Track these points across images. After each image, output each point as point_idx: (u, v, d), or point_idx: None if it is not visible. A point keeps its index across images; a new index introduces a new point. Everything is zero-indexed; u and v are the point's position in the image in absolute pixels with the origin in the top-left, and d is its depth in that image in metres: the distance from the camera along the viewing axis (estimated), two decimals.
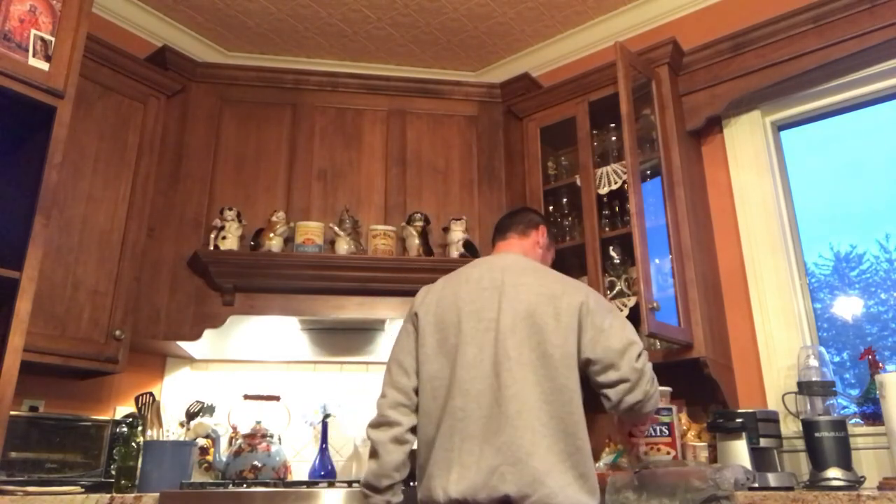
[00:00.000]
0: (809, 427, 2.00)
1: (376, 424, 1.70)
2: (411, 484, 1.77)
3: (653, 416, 1.92)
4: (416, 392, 1.70)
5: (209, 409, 2.63)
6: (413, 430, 1.70)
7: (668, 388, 2.25)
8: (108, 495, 1.96)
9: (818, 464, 1.95)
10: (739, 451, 2.07)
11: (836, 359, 2.46)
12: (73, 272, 2.36)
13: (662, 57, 2.63)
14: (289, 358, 3.06)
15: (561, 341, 1.60)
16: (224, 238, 2.65)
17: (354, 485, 2.21)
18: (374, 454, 1.68)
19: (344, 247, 2.73)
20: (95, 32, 2.53)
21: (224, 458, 2.56)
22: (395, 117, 3.04)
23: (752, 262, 2.53)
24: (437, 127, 3.06)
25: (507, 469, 1.49)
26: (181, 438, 2.55)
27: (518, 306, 1.64)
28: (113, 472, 2.33)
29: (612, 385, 1.61)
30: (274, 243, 2.68)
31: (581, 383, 1.63)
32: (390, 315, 2.74)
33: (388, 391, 1.72)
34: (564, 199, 2.89)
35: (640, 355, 1.63)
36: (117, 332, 2.41)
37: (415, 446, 1.71)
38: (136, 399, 2.54)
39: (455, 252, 2.78)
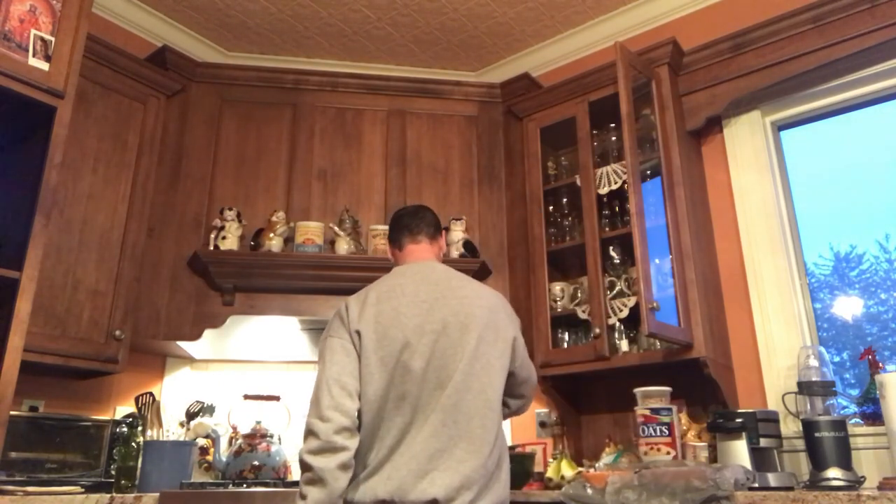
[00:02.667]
0: (809, 427, 2.00)
1: (319, 450, 1.55)
2: None
3: (651, 416, 1.95)
4: (359, 414, 1.62)
5: (209, 409, 2.63)
6: (354, 452, 1.61)
7: (668, 388, 2.25)
8: (108, 495, 1.96)
9: (818, 464, 1.95)
10: (739, 451, 2.07)
11: (836, 359, 2.46)
12: (73, 272, 2.36)
13: (662, 57, 2.63)
14: (289, 358, 3.06)
15: (499, 353, 1.69)
16: (224, 238, 2.65)
17: None
18: (318, 482, 1.54)
19: (344, 247, 2.73)
20: (95, 32, 2.53)
21: (224, 458, 2.56)
22: (395, 117, 3.04)
23: (752, 262, 2.53)
24: (437, 127, 3.06)
25: (439, 475, 1.51)
26: (181, 438, 2.55)
27: (462, 319, 1.66)
28: (113, 472, 2.33)
29: (518, 396, 1.84)
30: (274, 243, 2.68)
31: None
32: None
33: (332, 414, 1.58)
34: (564, 199, 2.89)
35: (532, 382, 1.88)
36: (117, 332, 2.41)
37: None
38: (136, 399, 2.54)
39: (455, 252, 2.78)
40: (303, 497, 1.55)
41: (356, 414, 1.61)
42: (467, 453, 1.55)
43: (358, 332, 1.67)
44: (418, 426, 1.57)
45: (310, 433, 1.58)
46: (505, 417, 1.80)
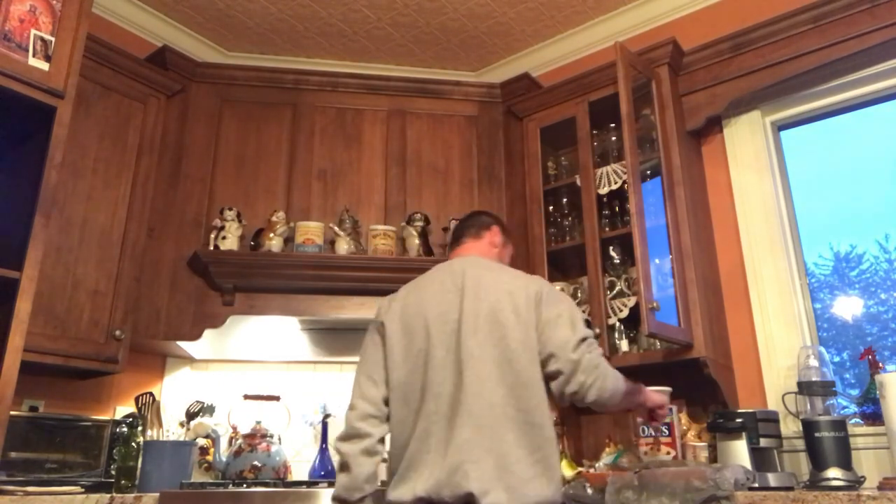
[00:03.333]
0: (809, 427, 2.00)
1: (346, 437, 1.69)
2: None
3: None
4: (387, 402, 1.70)
5: (209, 409, 2.63)
6: (383, 440, 1.70)
7: (668, 388, 2.25)
8: (108, 495, 1.96)
9: (818, 464, 1.95)
10: (739, 451, 2.07)
11: (836, 359, 2.47)
12: (73, 272, 2.36)
13: (662, 57, 2.63)
14: (289, 358, 3.06)
15: (522, 336, 1.62)
16: (224, 238, 2.65)
17: None
18: (344, 467, 1.66)
19: (344, 247, 2.72)
20: (95, 32, 2.53)
21: (224, 458, 2.56)
22: (395, 117, 3.04)
23: (752, 262, 2.53)
24: (437, 127, 3.06)
25: (471, 466, 1.50)
26: (181, 438, 2.55)
27: (479, 305, 1.66)
28: (113, 472, 2.33)
29: (552, 377, 1.63)
30: (274, 243, 2.68)
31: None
32: None
33: (358, 402, 1.71)
34: (564, 199, 2.89)
35: (577, 346, 1.61)
36: (117, 332, 2.41)
37: (385, 456, 1.71)
38: (136, 399, 2.54)
39: None
40: (336, 482, 1.67)
41: (382, 402, 1.69)
42: (495, 443, 1.52)
43: (383, 324, 1.75)
44: (446, 417, 1.57)
45: (344, 422, 1.72)
46: (561, 403, 1.68)
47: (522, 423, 1.55)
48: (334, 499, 1.66)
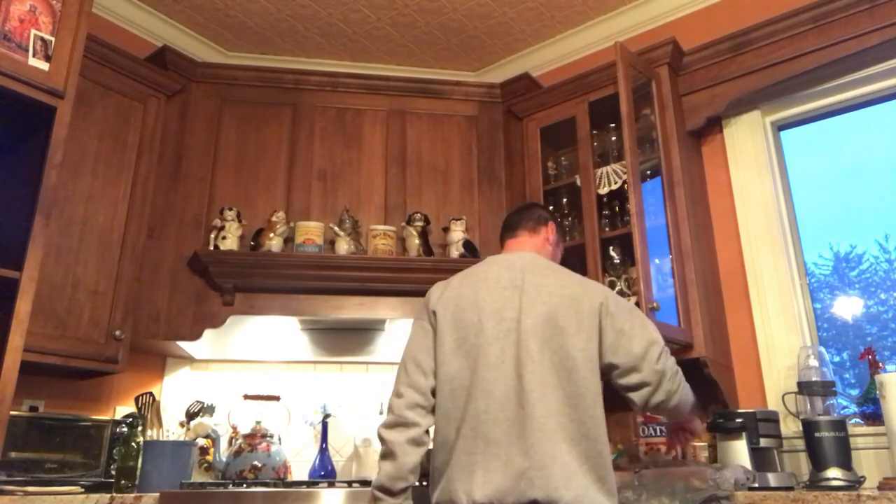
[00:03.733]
0: (809, 427, 2.00)
1: (392, 425, 1.62)
2: (423, 484, 1.74)
3: (652, 416, 1.92)
4: (433, 392, 1.65)
5: (209, 409, 2.63)
6: (428, 431, 1.65)
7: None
8: (108, 495, 1.96)
9: (818, 464, 1.95)
10: (739, 451, 2.07)
11: (836, 359, 2.46)
12: (73, 272, 2.36)
13: (662, 57, 2.63)
14: (289, 358, 3.06)
15: (583, 345, 1.58)
16: (224, 238, 2.65)
17: (354, 485, 2.21)
18: (389, 455, 1.60)
19: (344, 247, 2.72)
20: (95, 32, 2.53)
21: (224, 458, 2.56)
22: (395, 117, 3.04)
23: (752, 262, 2.53)
24: (437, 127, 3.06)
25: (535, 473, 1.46)
26: (181, 438, 2.55)
27: (540, 307, 1.61)
28: (113, 472, 2.33)
29: (635, 388, 1.63)
30: (274, 243, 2.68)
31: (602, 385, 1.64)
32: (390, 315, 2.74)
33: (406, 391, 1.64)
34: (564, 199, 2.89)
35: (660, 356, 1.62)
36: (117, 332, 2.41)
37: (429, 447, 1.66)
38: (136, 399, 2.54)
39: (455, 252, 2.77)
40: (379, 471, 1.61)
41: (430, 392, 1.64)
42: (557, 450, 1.48)
43: (434, 313, 1.70)
44: (500, 419, 1.52)
45: (388, 409, 1.66)
46: (649, 411, 1.70)
47: (576, 434, 1.51)
48: (377, 487, 1.60)
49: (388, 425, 1.63)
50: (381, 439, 1.63)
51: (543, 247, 1.88)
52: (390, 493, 1.59)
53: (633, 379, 1.62)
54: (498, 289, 1.67)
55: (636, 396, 1.64)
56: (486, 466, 1.49)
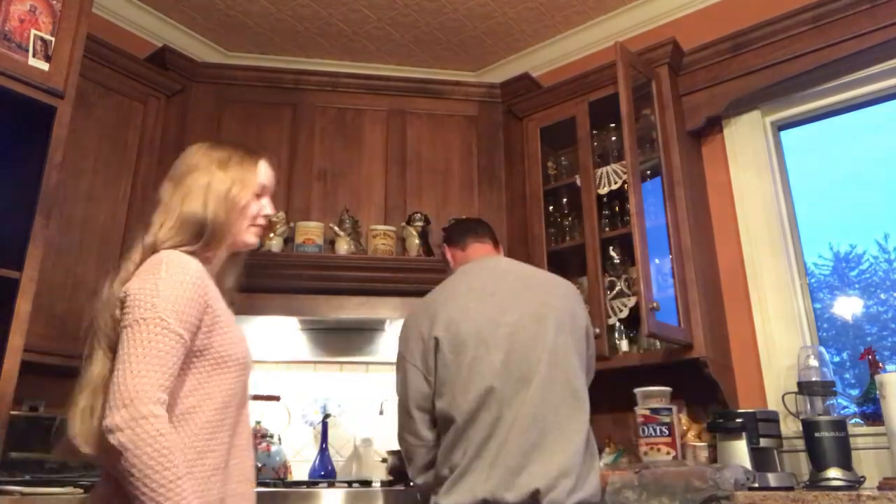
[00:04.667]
0: (809, 427, 2.00)
1: (420, 471, 1.73)
2: (411, 484, 1.78)
3: (651, 416, 1.94)
4: (434, 424, 1.68)
5: None
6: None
7: (668, 388, 2.25)
8: None
9: (818, 464, 1.95)
10: (739, 451, 2.07)
11: (836, 359, 2.47)
12: (73, 272, 2.36)
13: (662, 57, 2.63)
14: (289, 358, 3.06)
15: (576, 344, 1.66)
16: None
17: (354, 485, 2.21)
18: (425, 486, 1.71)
19: (344, 247, 2.72)
20: (95, 32, 2.52)
21: None
22: (395, 117, 3.04)
23: (752, 262, 2.53)
24: (437, 127, 3.06)
25: (536, 468, 1.50)
26: None
27: (536, 309, 1.64)
28: None
29: None
30: (274, 243, 2.68)
31: None
32: (390, 315, 2.74)
33: (408, 437, 1.72)
34: (564, 199, 2.89)
35: None
36: None
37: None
38: None
39: None
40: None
41: (429, 432, 1.69)
42: (559, 445, 1.53)
43: (436, 340, 1.65)
44: (507, 422, 1.54)
45: (406, 458, 1.75)
46: None
47: (576, 431, 1.57)
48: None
49: (418, 472, 1.73)
50: (416, 486, 1.75)
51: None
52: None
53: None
54: (485, 297, 1.69)
55: None
56: (490, 465, 1.52)
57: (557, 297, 1.69)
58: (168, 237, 1.33)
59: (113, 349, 1.23)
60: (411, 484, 1.81)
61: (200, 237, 1.34)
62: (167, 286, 1.21)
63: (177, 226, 1.35)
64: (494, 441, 1.54)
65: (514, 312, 1.64)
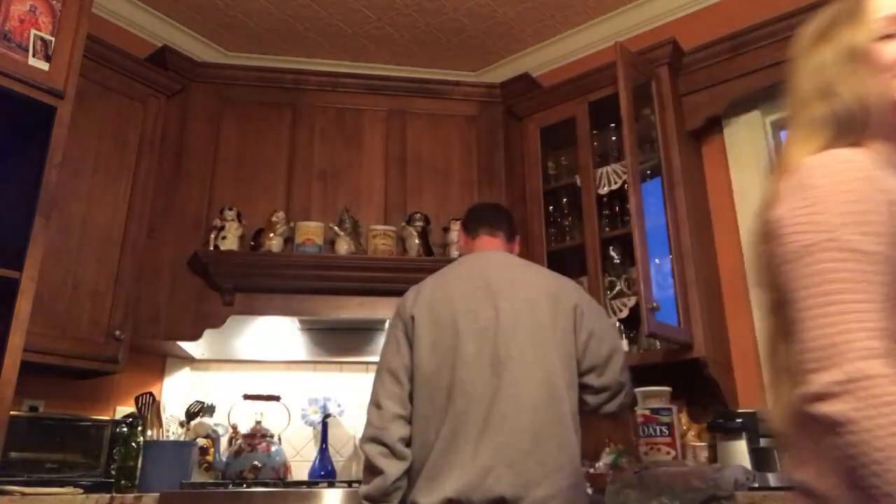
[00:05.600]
0: None
1: (372, 439, 1.61)
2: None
3: (651, 416, 1.93)
4: (411, 398, 1.64)
5: (209, 409, 2.63)
6: (409, 439, 1.64)
7: (668, 388, 2.25)
8: (108, 495, 1.96)
9: None
10: (739, 451, 2.07)
11: None
12: (73, 272, 2.36)
13: (662, 57, 2.63)
14: (289, 358, 3.06)
15: (560, 342, 1.61)
16: (224, 238, 2.65)
17: (354, 485, 2.21)
18: (373, 470, 1.59)
19: (344, 247, 2.72)
20: (95, 32, 2.52)
21: (224, 458, 2.56)
22: (395, 117, 3.04)
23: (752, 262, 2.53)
24: (437, 127, 3.06)
25: (504, 470, 1.47)
26: (181, 438, 2.55)
27: (517, 305, 1.63)
28: (113, 472, 2.33)
29: (595, 391, 1.67)
30: (274, 243, 2.68)
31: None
32: (390, 315, 2.71)
33: (385, 402, 1.62)
34: (564, 199, 2.89)
35: (623, 366, 1.67)
36: (117, 332, 2.41)
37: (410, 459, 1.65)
38: (136, 399, 2.54)
39: (455, 252, 2.77)
40: (364, 483, 1.61)
41: (408, 400, 1.64)
42: (533, 446, 1.49)
43: (412, 317, 1.69)
44: (477, 417, 1.52)
45: (367, 421, 1.64)
46: (594, 413, 1.71)
47: (552, 432, 1.53)
48: (366, 498, 1.59)
49: (369, 439, 1.61)
50: (363, 452, 1.62)
51: (513, 249, 1.92)
52: (380, 502, 1.58)
53: (594, 380, 1.66)
54: (471, 288, 1.68)
55: (593, 399, 1.67)
56: (460, 464, 1.50)
57: (543, 293, 1.66)
58: None
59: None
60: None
61: None
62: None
63: None
64: (464, 438, 1.52)
65: (493, 307, 1.63)
